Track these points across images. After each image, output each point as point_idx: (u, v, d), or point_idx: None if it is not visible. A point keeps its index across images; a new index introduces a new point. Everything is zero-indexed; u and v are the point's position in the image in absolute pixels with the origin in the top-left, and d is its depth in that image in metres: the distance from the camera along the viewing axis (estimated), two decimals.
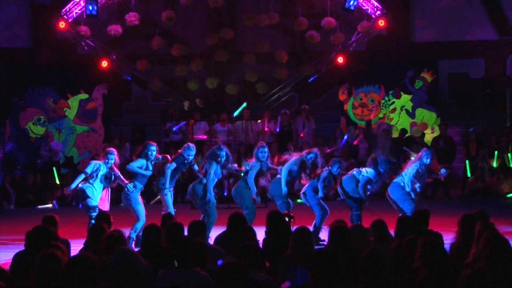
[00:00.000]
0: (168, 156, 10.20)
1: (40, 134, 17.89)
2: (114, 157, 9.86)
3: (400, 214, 9.26)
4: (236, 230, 6.81)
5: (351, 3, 16.99)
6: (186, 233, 6.48)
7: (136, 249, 7.31)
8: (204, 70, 18.01)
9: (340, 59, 17.70)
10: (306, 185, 10.18)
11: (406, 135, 17.31)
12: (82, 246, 6.83)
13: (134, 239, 9.31)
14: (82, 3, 17.11)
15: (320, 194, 10.12)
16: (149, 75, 18.19)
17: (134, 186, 9.61)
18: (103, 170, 9.73)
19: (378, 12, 17.37)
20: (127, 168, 9.85)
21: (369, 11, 17.43)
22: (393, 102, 18.22)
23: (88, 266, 4.61)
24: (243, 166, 10.43)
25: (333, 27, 17.35)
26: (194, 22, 18.35)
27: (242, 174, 10.28)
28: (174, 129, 17.05)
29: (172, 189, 10.03)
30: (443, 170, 10.24)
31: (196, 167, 10.15)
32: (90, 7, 16.90)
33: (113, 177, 9.82)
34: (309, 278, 4.75)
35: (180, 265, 5.21)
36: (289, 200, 10.28)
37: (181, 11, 17.85)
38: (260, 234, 7.02)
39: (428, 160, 9.93)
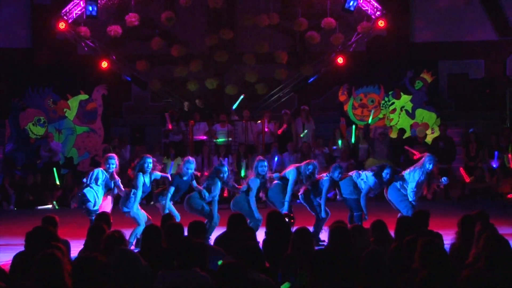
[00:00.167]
0: (169, 176, 10.17)
1: (40, 134, 17.89)
2: (115, 162, 9.83)
3: (399, 214, 9.26)
4: (236, 231, 6.81)
5: (351, 3, 16.99)
6: (186, 233, 6.48)
7: (136, 250, 7.31)
8: (204, 70, 18.01)
9: (340, 60, 17.70)
10: (304, 187, 10.16)
11: (406, 136, 17.32)
12: (82, 246, 6.83)
13: (133, 243, 9.31)
14: (82, 4, 17.11)
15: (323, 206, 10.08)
16: (148, 75, 18.19)
17: (134, 194, 9.60)
18: (102, 177, 9.72)
19: (378, 13, 17.37)
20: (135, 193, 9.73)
21: (369, 11, 17.43)
22: (393, 103, 18.22)
23: (97, 267, 4.60)
24: (242, 183, 10.44)
25: (333, 28, 17.34)
26: (193, 23, 18.36)
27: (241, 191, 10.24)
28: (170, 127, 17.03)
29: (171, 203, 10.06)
30: (444, 179, 10.18)
31: (195, 183, 10.07)
32: (90, 8, 16.89)
33: (112, 185, 9.79)
34: (309, 278, 4.75)
35: (179, 265, 5.21)
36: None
37: (180, 12, 17.85)
38: (260, 234, 7.02)
39: (431, 166, 9.85)
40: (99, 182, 9.69)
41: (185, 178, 9.94)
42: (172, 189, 9.86)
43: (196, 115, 17.13)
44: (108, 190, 9.84)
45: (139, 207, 9.70)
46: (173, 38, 18.34)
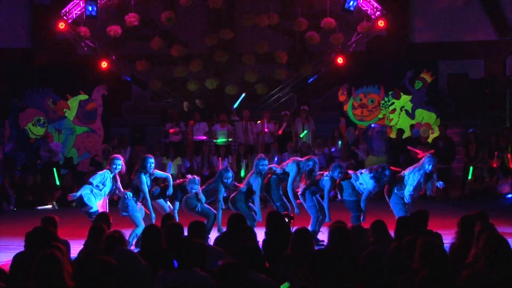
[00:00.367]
0: (169, 176, 10.16)
1: (40, 134, 17.89)
2: (121, 163, 9.79)
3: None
4: (235, 231, 6.81)
5: (351, 3, 16.99)
6: (186, 233, 6.48)
7: (136, 250, 7.31)
8: (204, 70, 18.01)
9: (340, 60, 17.70)
10: (304, 185, 10.16)
11: (406, 136, 17.32)
12: (82, 246, 6.83)
13: (133, 244, 9.30)
14: (81, 4, 17.12)
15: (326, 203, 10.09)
16: (148, 75, 18.20)
17: (128, 197, 9.59)
18: (108, 179, 9.69)
19: (378, 13, 17.38)
20: (145, 197, 9.71)
21: (368, 11, 17.43)
22: (393, 103, 18.23)
23: (107, 270, 4.60)
24: (243, 182, 10.46)
25: (332, 28, 17.35)
26: (193, 23, 18.36)
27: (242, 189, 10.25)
28: (171, 131, 17.06)
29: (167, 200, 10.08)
30: (440, 183, 10.16)
31: (202, 196, 10.05)
32: (90, 8, 16.90)
33: (113, 187, 9.77)
34: (309, 278, 4.74)
35: (179, 265, 5.21)
36: (286, 201, 10.28)
37: (180, 12, 17.86)
38: (260, 234, 7.02)
39: (430, 167, 9.82)
40: (106, 187, 9.66)
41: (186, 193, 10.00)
42: (177, 204, 9.92)
43: (196, 115, 17.14)
44: (108, 192, 9.82)
45: (138, 208, 9.67)
46: (173, 38, 18.35)
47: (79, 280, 4.67)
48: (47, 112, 18.05)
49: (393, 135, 17.34)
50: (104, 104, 18.27)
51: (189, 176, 10.14)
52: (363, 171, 10.17)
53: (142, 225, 9.43)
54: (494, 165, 16.03)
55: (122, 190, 9.74)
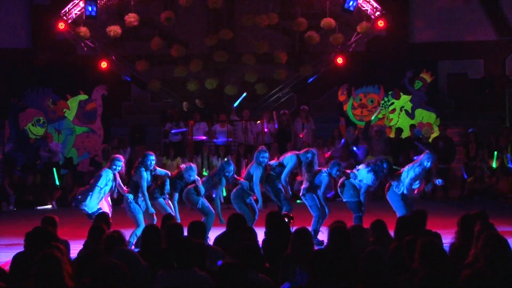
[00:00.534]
0: (169, 173, 10.19)
1: (40, 135, 17.89)
2: (121, 164, 9.79)
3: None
4: (235, 231, 6.81)
5: (351, 3, 16.99)
6: (185, 233, 6.48)
7: (136, 250, 7.31)
8: (203, 70, 18.00)
9: (340, 60, 17.70)
10: (304, 185, 10.17)
11: (405, 136, 17.32)
12: (81, 246, 6.83)
13: (133, 243, 9.30)
14: (81, 4, 17.11)
15: (320, 195, 10.11)
16: (148, 75, 18.19)
17: (130, 199, 9.59)
18: (111, 180, 9.70)
19: (378, 13, 17.38)
20: (143, 193, 9.69)
21: (368, 11, 17.43)
22: (393, 103, 18.23)
23: (119, 276, 4.59)
24: (242, 173, 10.52)
25: (332, 28, 17.35)
26: (193, 23, 18.35)
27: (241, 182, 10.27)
28: (173, 131, 17.06)
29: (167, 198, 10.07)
30: (439, 181, 10.19)
31: (200, 185, 10.07)
32: (90, 8, 16.89)
33: (113, 185, 9.77)
34: (309, 278, 4.75)
35: (179, 265, 5.21)
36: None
37: (180, 12, 17.84)
38: (260, 234, 7.02)
39: (429, 164, 9.86)
40: (107, 187, 9.66)
41: (184, 181, 9.99)
42: (176, 195, 9.90)
43: (196, 115, 17.15)
44: (109, 190, 9.83)
45: (140, 208, 9.68)
46: (172, 38, 18.34)
47: (90, 283, 4.64)
48: (46, 112, 18.04)
49: (392, 134, 17.34)
50: (104, 104, 18.27)
51: (183, 165, 10.14)
52: (359, 167, 10.19)
53: (143, 225, 9.43)
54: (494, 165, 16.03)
55: (124, 187, 9.74)
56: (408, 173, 9.85)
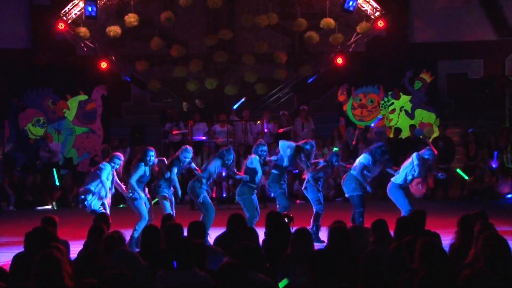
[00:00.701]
0: (165, 159, 10.21)
1: (39, 135, 17.89)
2: (120, 163, 9.78)
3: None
4: (235, 231, 6.81)
5: (350, 3, 16.99)
6: (185, 234, 6.47)
7: (136, 250, 7.31)
8: (203, 70, 18.00)
9: (339, 60, 17.70)
10: (307, 178, 10.22)
11: (405, 136, 17.32)
12: (81, 247, 6.83)
13: (136, 238, 9.30)
14: (81, 4, 17.10)
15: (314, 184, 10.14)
16: (148, 76, 18.19)
17: (133, 195, 9.60)
18: (109, 170, 9.66)
19: (377, 13, 17.38)
20: (130, 183, 9.69)
21: (368, 11, 17.44)
22: (392, 103, 18.24)
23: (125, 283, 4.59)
24: (242, 165, 10.53)
25: (332, 28, 17.35)
26: (193, 23, 18.35)
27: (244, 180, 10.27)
28: (175, 132, 17.06)
29: (172, 193, 10.08)
30: (440, 174, 10.20)
31: (193, 165, 10.19)
32: (89, 8, 16.88)
33: (112, 181, 9.75)
34: (309, 278, 4.74)
35: (179, 265, 5.21)
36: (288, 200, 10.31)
37: (180, 12, 17.85)
38: (260, 235, 7.02)
39: (430, 158, 9.87)
40: (108, 181, 9.63)
41: (182, 165, 10.01)
42: (174, 169, 9.88)
43: (196, 115, 17.14)
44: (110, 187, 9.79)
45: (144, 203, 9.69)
46: (172, 38, 18.33)
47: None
48: (46, 112, 18.04)
49: (391, 135, 17.34)
50: (103, 105, 18.27)
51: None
52: (358, 158, 10.27)
53: (146, 218, 9.43)
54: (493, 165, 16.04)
55: (123, 186, 9.73)
56: (407, 166, 9.82)
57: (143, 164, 9.64)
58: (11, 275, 5.57)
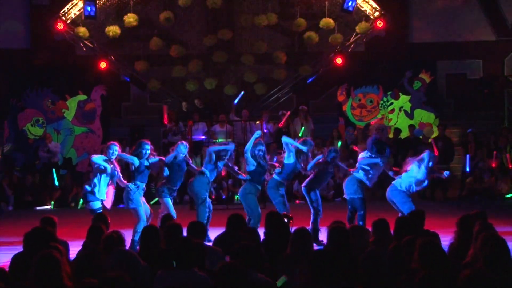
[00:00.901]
0: (164, 158, 10.24)
1: (39, 135, 17.88)
2: (117, 149, 9.73)
3: (400, 214, 9.23)
4: (235, 231, 6.81)
5: (350, 4, 17.00)
6: (185, 234, 6.47)
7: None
8: (203, 70, 18.00)
9: (339, 60, 17.70)
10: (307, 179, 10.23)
11: (405, 136, 17.31)
12: (80, 247, 6.82)
13: (137, 241, 9.27)
14: (80, 4, 17.10)
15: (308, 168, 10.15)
16: (147, 76, 18.18)
17: (137, 187, 9.59)
18: (108, 167, 9.63)
19: (377, 13, 17.39)
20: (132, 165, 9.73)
21: (367, 12, 17.44)
22: (392, 103, 18.24)
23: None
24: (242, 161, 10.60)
25: (331, 28, 17.36)
26: (192, 23, 18.35)
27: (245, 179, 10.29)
28: (172, 137, 17.06)
29: (175, 193, 10.12)
30: (446, 172, 10.18)
31: (193, 165, 10.22)
32: (89, 8, 16.88)
33: (114, 171, 9.71)
34: (309, 278, 4.74)
35: (178, 265, 5.21)
36: (287, 201, 10.30)
37: (179, 12, 17.85)
38: (260, 235, 7.02)
39: (431, 163, 9.84)
40: (107, 169, 9.60)
41: (178, 160, 10.05)
42: (171, 155, 10.00)
43: (195, 115, 17.14)
44: (111, 178, 9.74)
45: (142, 202, 9.67)
46: (172, 38, 18.31)
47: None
48: (46, 112, 18.03)
49: (390, 135, 17.33)
50: (103, 105, 18.26)
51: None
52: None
53: (144, 220, 9.43)
54: (493, 165, 16.03)
55: (125, 182, 9.72)
56: (411, 170, 9.78)
57: (136, 157, 9.64)
58: (10, 275, 5.56)
